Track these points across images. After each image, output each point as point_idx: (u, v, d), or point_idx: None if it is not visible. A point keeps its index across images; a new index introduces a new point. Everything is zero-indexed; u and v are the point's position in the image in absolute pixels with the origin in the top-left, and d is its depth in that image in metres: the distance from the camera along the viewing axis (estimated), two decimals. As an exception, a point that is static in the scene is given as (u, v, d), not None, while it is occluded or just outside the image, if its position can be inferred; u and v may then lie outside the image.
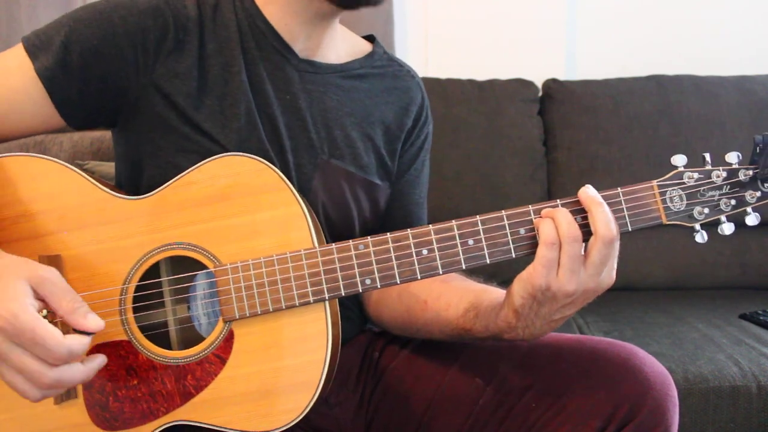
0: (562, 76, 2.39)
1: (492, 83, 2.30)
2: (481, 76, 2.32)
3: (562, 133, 2.27)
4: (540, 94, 2.35)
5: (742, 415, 1.50)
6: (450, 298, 1.13)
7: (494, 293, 1.09)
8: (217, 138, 1.08)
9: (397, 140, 1.25)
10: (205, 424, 1.00)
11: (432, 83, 2.24)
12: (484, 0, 2.47)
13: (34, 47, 1.05)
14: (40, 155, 1.04)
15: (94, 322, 0.90)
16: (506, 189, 2.21)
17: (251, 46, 1.12)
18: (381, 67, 1.25)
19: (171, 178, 1.03)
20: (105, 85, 1.06)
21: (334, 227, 1.16)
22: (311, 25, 1.14)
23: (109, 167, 1.73)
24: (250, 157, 1.02)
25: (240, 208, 1.01)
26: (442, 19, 2.47)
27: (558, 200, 0.98)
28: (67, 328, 0.90)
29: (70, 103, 1.06)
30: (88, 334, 0.90)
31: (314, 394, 0.98)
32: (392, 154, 1.25)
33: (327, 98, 1.17)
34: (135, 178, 1.11)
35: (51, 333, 0.85)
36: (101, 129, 1.93)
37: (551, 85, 2.33)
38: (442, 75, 2.31)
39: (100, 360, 0.93)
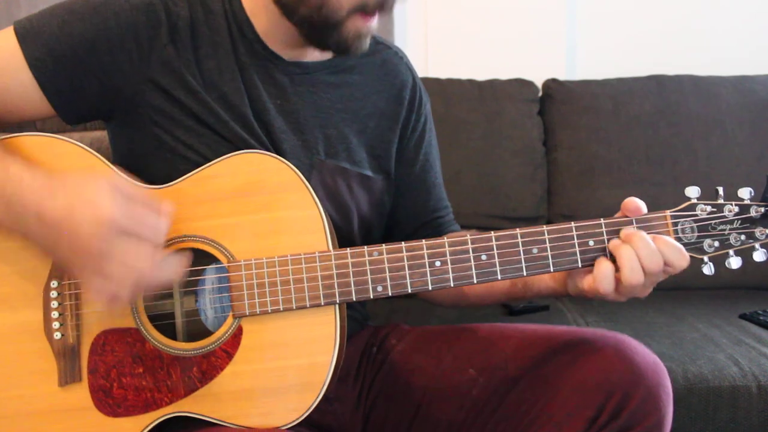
0: (562, 76, 2.40)
1: (492, 83, 2.30)
2: (481, 76, 2.32)
3: (562, 133, 2.27)
4: (540, 94, 2.35)
5: (742, 415, 1.50)
6: None
7: None
8: (222, 132, 1.08)
9: (390, 130, 1.26)
10: (207, 417, 1.00)
11: (432, 83, 2.24)
12: (484, 0, 2.47)
13: (25, 32, 1.05)
14: (60, 136, 1.03)
15: (167, 205, 0.95)
16: (506, 189, 2.21)
17: (242, 52, 1.12)
18: (369, 54, 1.24)
19: (179, 170, 1.03)
20: (99, 80, 1.06)
21: (334, 224, 1.16)
22: (297, 41, 1.13)
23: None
24: (271, 156, 1.02)
25: (258, 205, 1.01)
26: (442, 19, 2.48)
27: (602, 219, 1.01)
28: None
29: (62, 95, 1.06)
30: None
31: (318, 396, 0.99)
32: (387, 144, 1.26)
33: (318, 97, 1.18)
34: (137, 172, 1.11)
35: (147, 216, 0.91)
36: (98, 128, 1.93)
37: (551, 85, 2.33)
38: (442, 75, 2.31)
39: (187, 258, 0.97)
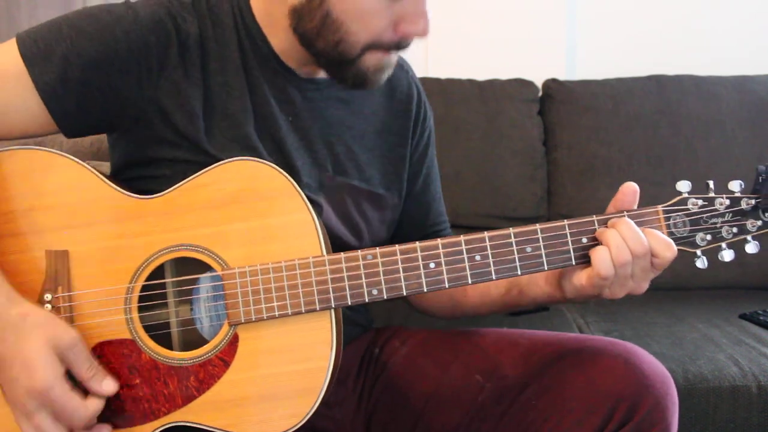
0: (562, 76, 2.39)
1: (492, 83, 2.30)
2: (481, 76, 2.32)
3: (562, 133, 2.26)
4: (540, 94, 2.35)
5: (742, 415, 1.50)
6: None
7: None
8: (217, 156, 1.07)
9: (401, 146, 1.25)
10: (206, 426, 1.00)
11: (432, 83, 2.24)
12: (484, 0, 2.47)
13: (31, 54, 1.02)
14: (52, 150, 1.03)
15: (107, 387, 0.98)
16: (506, 189, 2.21)
17: (253, 67, 1.11)
18: None
19: (173, 184, 1.03)
20: (105, 99, 1.05)
21: (344, 243, 1.16)
22: (314, 61, 1.12)
23: (108, 168, 1.73)
24: (262, 162, 1.02)
25: (250, 212, 1.01)
26: (442, 19, 2.47)
27: (594, 216, 1.01)
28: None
29: (68, 115, 1.05)
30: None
31: (316, 401, 0.98)
32: (398, 160, 1.25)
33: (329, 114, 1.17)
34: (133, 182, 1.10)
35: (78, 405, 0.94)
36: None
37: (551, 85, 2.33)
38: (442, 75, 2.31)
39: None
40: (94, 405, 0.95)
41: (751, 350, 1.61)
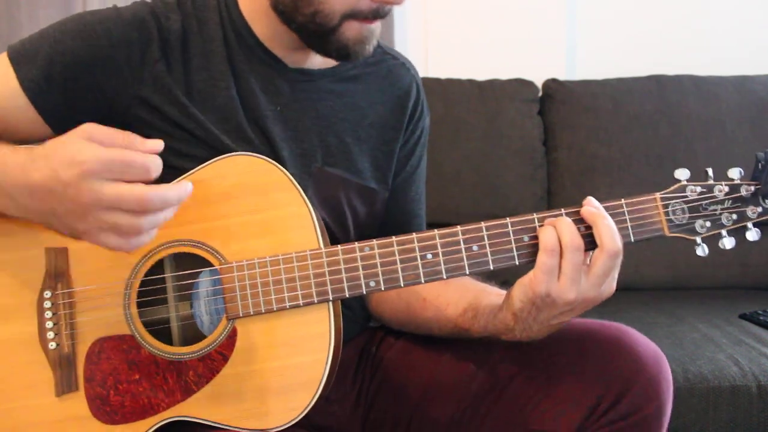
0: (562, 76, 2.39)
1: (492, 83, 2.30)
2: (481, 76, 2.32)
3: (562, 133, 2.27)
4: (540, 94, 2.35)
5: (742, 415, 1.50)
6: (449, 297, 1.15)
7: (493, 294, 1.11)
8: (214, 144, 1.08)
9: (394, 141, 1.25)
10: (206, 420, 1.00)
11: (432, 83, 2.24)
12: (484, 0, 2.47)
13: (18, 56, 1.05)
14: None
15: (152, 144, 0.90)
16: (506, 189, 2.22)
17: (239, 60, 1.12)
18: (374, 63, 1.24)
19: (169, 181, 1.02)
20: (93, 96, 1.06)
21: (330, 234, 1.15)
22: (299, 44, 1.12)
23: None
24: (258, 157, 1.02)
25: (247, 207, 1.01)
26: (442, 19, 2.48)
27: (562, 209, 0.99)
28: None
29: (56, 114, 1.06)
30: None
31: (315, 394, 0.98)
32: (389, 155, 1.25)
33: (320, 105, 1.17)
34: None
35: (133, 156, 0.87)
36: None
37: (551, 85, 2.33)
38: (442, 75, 2.31)
39: (188, 187, 0.92)
40: (154, 160, 0.88)
41: (751, 350, 1.61)
